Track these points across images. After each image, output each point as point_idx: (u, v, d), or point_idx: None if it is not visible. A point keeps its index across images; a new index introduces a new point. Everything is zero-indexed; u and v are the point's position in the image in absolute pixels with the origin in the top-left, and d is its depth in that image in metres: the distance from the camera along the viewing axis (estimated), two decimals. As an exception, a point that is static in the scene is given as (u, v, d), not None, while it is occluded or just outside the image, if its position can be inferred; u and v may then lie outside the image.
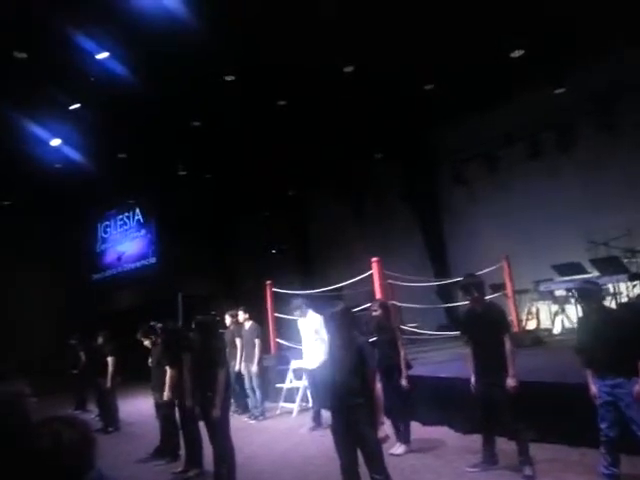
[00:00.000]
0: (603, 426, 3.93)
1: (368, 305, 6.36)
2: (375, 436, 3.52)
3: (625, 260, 8.55)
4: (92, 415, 9.04)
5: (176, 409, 6.08)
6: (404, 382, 5.39)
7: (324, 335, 6.29)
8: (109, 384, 8.29)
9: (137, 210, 16.90)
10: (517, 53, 9.45)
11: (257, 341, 7.97)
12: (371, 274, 8.45)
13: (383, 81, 10.23)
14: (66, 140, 12.02)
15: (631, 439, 3.81)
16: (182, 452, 6.01)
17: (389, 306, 6.18)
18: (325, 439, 6.09)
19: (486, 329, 4.64)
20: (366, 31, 8.66)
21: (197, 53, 8.96)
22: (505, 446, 4.77)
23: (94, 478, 3.09)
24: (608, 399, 3.88)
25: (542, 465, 4.49)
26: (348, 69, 9.97)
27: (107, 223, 17.97)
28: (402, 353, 5.52)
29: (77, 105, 10.48)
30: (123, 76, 9.55)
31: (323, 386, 4.05)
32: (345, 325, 3.71)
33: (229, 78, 10.17)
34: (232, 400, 8.65)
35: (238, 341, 8.16)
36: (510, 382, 4.44)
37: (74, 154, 12.65)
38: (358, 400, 3.53)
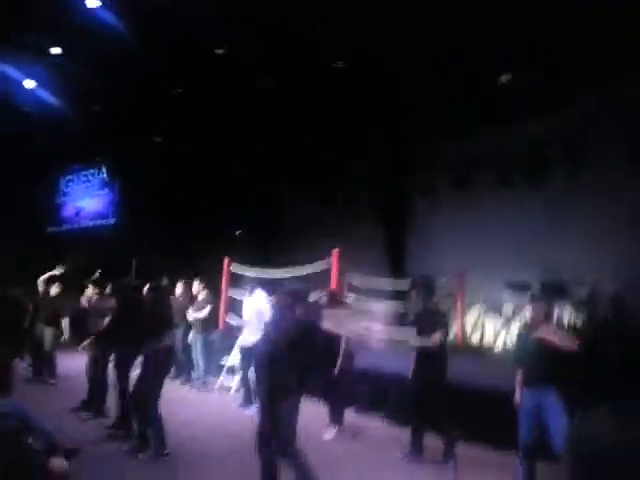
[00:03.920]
0: (522, 432, 4.15)
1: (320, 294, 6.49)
2: (293, 420, 3.58)
3: (571, 289, 8.97)
4: (24, 364, 8.84)
5: (109, 366, 6.18)
6: (336, 370, 5.58)
7: (265, 316, 6.48)
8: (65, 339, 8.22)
9: (103, 168, 16.48)
10: (504, 79, 9.69)
11: (208, 307, 8.05)
12: (330, 265, 8.62)
13: (372, 81, 10.30)
14: (41, 85, 11.63)
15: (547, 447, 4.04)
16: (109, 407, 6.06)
17: (337, 296, 6.31)
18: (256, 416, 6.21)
19: (426, 327, 4.89)
20: (359, 32, 8.70)
21: (191, 19, 8.82)
22: (433, 441, 4.97)
23: (19, 415, 3.06)
24: (531, 406, 4.10)
25: (465, 462, 4.70)
26: (339, 65, 10.03)
27: (70, 177, 17.43)
28: (342, 343, 5.64)
29: (58, 50, 10.16)
30: (111, 29, 9.33)
31: (258, 363, 4.08)
32: (291, 306, 3.75)
33: (219, 51, 10.07)
34: (174, 368, 8.72)
35: (189, 311, 8.14)
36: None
37: (49, 101, 12.26)
38: (289, 381, 3.61)
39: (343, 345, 5.67)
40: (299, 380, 3.61)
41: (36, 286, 9.27)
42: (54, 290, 8.45)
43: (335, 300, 6.02)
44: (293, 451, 3.60)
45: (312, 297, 7.14)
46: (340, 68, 10.17)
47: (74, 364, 9.26)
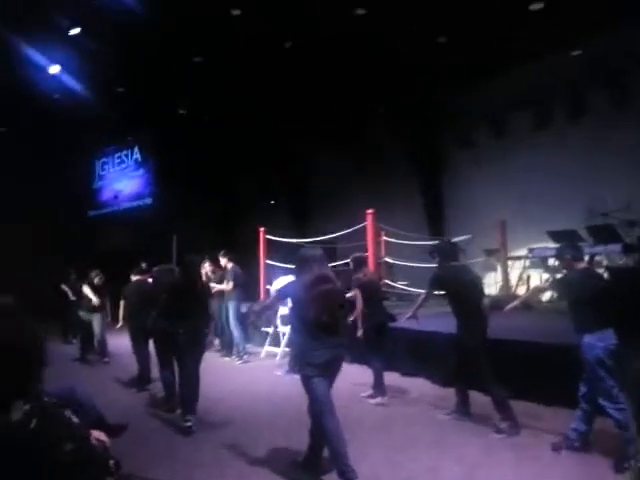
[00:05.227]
0: (581, 383, 3.96)
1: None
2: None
3: (621, 231, 8.46)
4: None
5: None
6: (359, 333, 5.50)
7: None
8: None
9: (136, 149, 16.62)
10: (536, 6, 9.01)
11: (230, 283, 8.09)
12: (365, 226, 8.45)
13: (395, 30, 9.81)
14: (65, 69, 11.67)
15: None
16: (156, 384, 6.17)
17: (360, 260, 6.13)
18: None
19: (464, 290, 4.78)
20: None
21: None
22: (482, 399, 4.84)
23: (65, 393, 3.11)
24: (593, 353, 3.88)
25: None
26: (360, 12, 9.57)
27: (105, 160, 17.69)
28: (358, 308, 5.47)
29: (77, 30, 10.09)
30: (126, 3, 9.18)
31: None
32: (301, 271, 3.72)
33: (235, 12, 9.78)
34: (216, 340, 8.89)
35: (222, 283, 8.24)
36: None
37: (74, 85, 12.33)
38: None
39: (359, 310, 5.50)
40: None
41: (83, 271, 9.57)
42: (97, 279, 8.74)
43: (357, 263, 5.90)
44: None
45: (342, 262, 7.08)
46: (361, 15, 9.68)
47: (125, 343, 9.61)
